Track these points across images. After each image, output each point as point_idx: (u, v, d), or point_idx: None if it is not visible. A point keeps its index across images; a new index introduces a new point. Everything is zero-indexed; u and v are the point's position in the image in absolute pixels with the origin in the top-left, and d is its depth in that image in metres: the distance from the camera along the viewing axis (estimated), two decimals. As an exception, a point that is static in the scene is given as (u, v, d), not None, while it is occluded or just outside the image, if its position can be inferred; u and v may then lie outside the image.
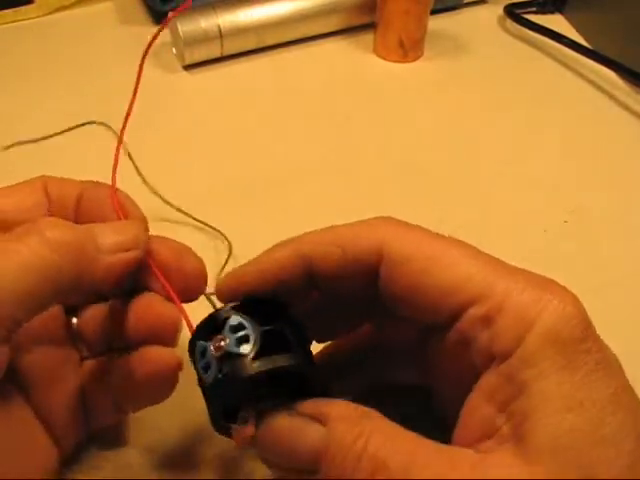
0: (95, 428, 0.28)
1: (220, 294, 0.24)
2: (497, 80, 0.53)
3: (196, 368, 0.23)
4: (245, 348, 0.21)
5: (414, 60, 0.54)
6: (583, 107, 0.51)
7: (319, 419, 0.21)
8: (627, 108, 0.50)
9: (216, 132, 0.47)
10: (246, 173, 0.44)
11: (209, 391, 0.22)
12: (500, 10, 0.60)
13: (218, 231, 0.39)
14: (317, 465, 0.20)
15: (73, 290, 0.23)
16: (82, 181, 0.28)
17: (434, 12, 0.56)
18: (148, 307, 0.25)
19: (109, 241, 0.24)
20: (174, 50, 0.52)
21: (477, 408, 0.21)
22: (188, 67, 0.52)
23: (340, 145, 0.46)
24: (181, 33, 0.49)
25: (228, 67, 0.53)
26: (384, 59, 0.54)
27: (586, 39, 0.57)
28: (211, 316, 0.23)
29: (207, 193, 0.42)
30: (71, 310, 0.28)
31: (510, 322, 0.20)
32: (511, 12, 0.58)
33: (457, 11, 0.60)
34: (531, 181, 0.44)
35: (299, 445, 0.21)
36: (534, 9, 0.60)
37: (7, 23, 0.56)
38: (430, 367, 0.24)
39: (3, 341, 0.21)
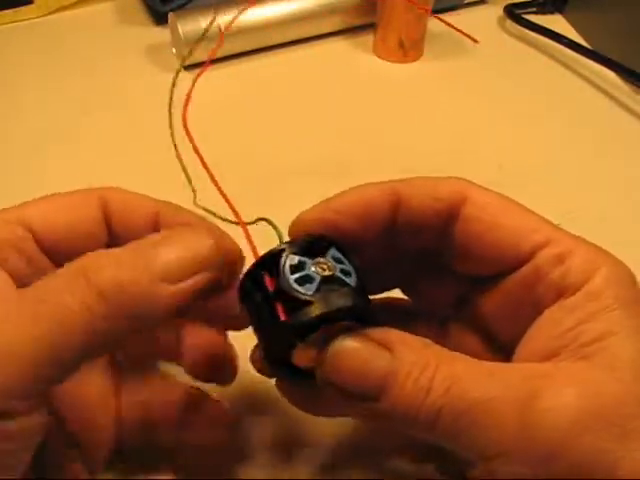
0: (126, 447, 0.27)
1: (306, 222, 0.24)
2: (497, 80, 0.53)
3: (274, 281, 0.22)
4: (351, 280, 0.22)
5: (414, 60, 0.54)
6: (583, 107, 0.51)
7: (387, 346, 0.21)
8: (627, 108, 0.50)
9: (216, 132, 0.47)
10: (246, 173, 0.44)
11: (302, 303, 0.21)
12: (500, 10, 0.60)
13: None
14: (382, 391, 0.20)
15: (128, 334, 0.20)
16: (156, 200, 0.24)
17: (434, 12, 0.56)
18: (204, 345, 0.25)
19: (174, 262, 0.20)
20: (174, 50, 0.52)
21: (539, 335, 0.22)
22: (188, 67, 0.52)
23: (340, 145, 0.46)
24: (181, 33, 0.49)
25: (228, 67, 0.53)
26: (384, 59, 0.54)
27: (586, 39, 0.57)
28: (292, 243, 0.23)
29: (207, 192, 0.42)
30: None
31: (580, 262, 0.22)
32: (511, 12, 0.59)
33: (457, 11, 0.60)
34: (530, 181, 0.44)
35: (368, 369, 0.21)
36: (534, 9, 0.60)
37: (7, 23, 0.56)
38: (481, 316, 0.25)
39: (44, 403, 0.20)
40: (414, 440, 0.26)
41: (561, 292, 0.22)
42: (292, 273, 0.22)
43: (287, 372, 0.24)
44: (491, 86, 0.53)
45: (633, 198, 0.44)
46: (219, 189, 0.23)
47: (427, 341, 0.21)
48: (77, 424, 0.25)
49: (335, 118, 0.49)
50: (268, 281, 0.22)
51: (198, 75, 0.51)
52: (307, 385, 0.23)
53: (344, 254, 0.23)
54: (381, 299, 0.28)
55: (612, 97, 0.51)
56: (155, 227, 0.24)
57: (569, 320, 0.21)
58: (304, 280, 0.22)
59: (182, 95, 0.50)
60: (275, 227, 0.24)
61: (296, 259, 0.22)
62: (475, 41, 0.34)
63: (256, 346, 0.25)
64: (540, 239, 0.23)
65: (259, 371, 0.25)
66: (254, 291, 0.22)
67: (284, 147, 0.46)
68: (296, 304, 0.21)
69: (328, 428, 0.30)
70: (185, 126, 0.32)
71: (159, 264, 0.20)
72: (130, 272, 0.19)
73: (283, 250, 0.22)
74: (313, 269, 0.22)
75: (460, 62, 0.55)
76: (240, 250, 0.25)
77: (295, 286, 0.21)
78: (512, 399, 0.19)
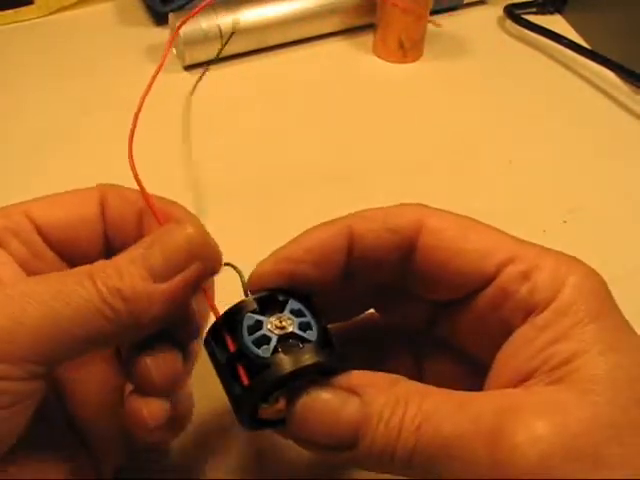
0: (140, 448, 0.27)
1: (263, 276, 0.23)
2: (497, 81, 0.53)
3: (234, 341, 0.22)
4: (311, 334, 0.22)
5: (414, 60, 0.54)
6: (583, 107, 0.51)
7: (354, 391, 0.21)
8: (627, 108, 0.50)
9: (215, 132, 0.47)
10: (245, 173, 0.44)
11: (260, 367, 0.21)
12: (500, 11, 0.60)
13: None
14: (356, 439, 0.20)
15: (131, 333, 0.22)
16: (148, 194, 0.26)
17: (434, 12, 0.56)
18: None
19: (160, 262, 0.22)
20: (174, 50, 0.52)
21: (511, 357, 0.21)
22: (188, 67, 0.52)
23: (340, 145, 0.46)
24: (181, 33, 0.49)
25: (228, 67, 0.53)
26: (384, 59, 0.54)
27: (586, 40, 0.57)
28: (254, 300, 0.23)
29: (206, 193, 0.42)
30: None
31: (546, 277, 0.21)
32: (511, 13, 0.58)
33: (457, 11, 0.60)
34: (530, 181, 0.44)
35: (338, 419, 0.20)
36: (534, 10, 0.60)
37: (7, 24, 0.56)
38: (452, 335, 0.25)
39: (41, 377, 0.21)
40: None
41: (530, 310, 0.21)
42: (250, 334, 0.22)
43: (259, 424, 0.24)
44: (491, 86, 0.53)
45: (633, 198, 0.44)
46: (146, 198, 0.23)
47: (395, 377, 0.21)
48: (84, 419, 0.25)
49: (335, 118, 0.49)
50: (229, 341, 0.22)
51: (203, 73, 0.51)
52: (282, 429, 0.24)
53: (305, 303, 0.23)
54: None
55: (612, 97, 0.51)
56: (143, 216, 0.25)
57: (540, 340, 0.21)
58: (261, 341, 0.22)
59: (182, 95, 0.50)
60: (240, 274, 0.24)
61: (253, 319, 0.22)
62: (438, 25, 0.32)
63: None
64: (503, 257, 0.22)
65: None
66: (217, 351, 0.23)
67: (284, 147, 0.46)
68: (255, 367, 0.22)
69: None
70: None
71: (151, 266, 0.22)
72: (127, 279, 0.21)
73: (241, 308, 0.23)
74: (269, 327, 0.22)
75: (460, 62, 0.55)
76: (217, 245, 0.25)
77: (253, 349, 0.22)
78: (482, 434, 0.19)
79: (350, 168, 0.44)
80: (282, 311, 0.23)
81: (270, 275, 0.23)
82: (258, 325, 0.22)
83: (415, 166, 0.45)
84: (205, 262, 0.23)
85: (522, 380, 0.21)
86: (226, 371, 0.23)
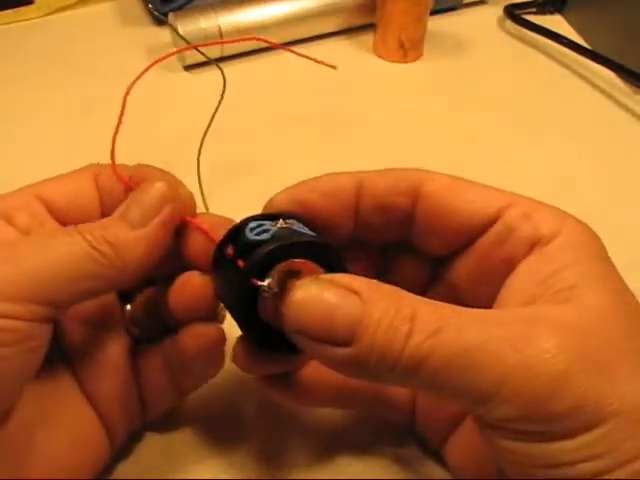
0: (152, 415, 0.29)
1: (276, 202, 0.25)
2: (497, 80, 0.53)
3: (236, 245, 0.23)
4: (306, 230, 0.24)
5: (414, 60, 0.55)
6: (583, 107, 0.51)
7: (355, 291, 0.20)
8: (627, 108, 0.50)
9: (216, 132, 0.47)
10: (245, 172, 0.44)
11: (256, 245, 0.22)
12: (500, 10, 0.60)
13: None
14: (353, 335, 0.20)
15: (122, 276, 0.24)
16: (130, 166, 0.28)
17: (434, 12, 0.56)
18: (186, 283, 0.26)
19: (137, 214, 0.25)
20: (174, 50, 0.52)
21: (517, 286, 0.23)
22: (188, 67, 0.52)
23: (340, 145, 0.46)
24: (181, 33, 0.49)
25: (228, 67, 0.52)
26: (384, 59, 0.54)
27: (586, 39, 0.57)
28: (248, 220, 0.24)
29: (206, 192, 0.42)
30: (126, 297, 0.29)
31: (547, 218, 0.23)
32: (511, 13, 0.59)
33: (457, 11, 0.60)
34: (530, 181, 0.44)
35: (335, 313, 0.20)
36: (534, 10, 0.60)
37: (7, 23, 0.56)
38: (455, 286, 0.26)
39: (41, 319, 0.22)
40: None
41: (533, 244, 0.23)
42: (251, 232, 0.23)
43: (269, 345, 0.24)
44: (491, 86, 0.53)
45: (633, 198, 0.44)
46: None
47: (398, 289, 0.21)
48: (95, 380, 0.27)
49: (335, 118, 0.49)
50: (231, 249, 0.23)
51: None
52: (285, 379, 0.26)
53: (306, 226, 0.24)
54: None
55: (612, 97, 0.51)
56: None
57: (546, 269, 0.22)
58: (261, 232, 0.23)
59: (182, 95, 0.50)
60: None
61: (256, 222, 0.24)
62: (334, 67, 0.34)
63: (235, 343, 0.25)
64: (504, 202, 0.24)
65: (241, 367, 0.25)
66: (221, 264, 0.24)
67: (284, 147, 0.46)
68: (252, 248, 0.22)
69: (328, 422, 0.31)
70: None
71: (130, 218, 0.24)
72: (111, 230, 0.24)
73: (243, 222, 0.24)
74: (271, 225, 0.23)
75: (460, 62, 0.55)
76: (191, 192, 0.27)
77: (252, 237, 0.23)
78: (510, 339, 0.19)
79: (350, 168, 0.44)
80: (285, 220, 0.24)
81: (283, 201, 0.25)
82: (260, 225, 0.23)
83: (415, 165, 0.45)
84: (176, 203, 0.25)
85: (529, 302, 0.22)
86: (227, 270, 0.23)
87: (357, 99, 0.51)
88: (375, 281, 0.21)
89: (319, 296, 0.20)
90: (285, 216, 0.24)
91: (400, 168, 0.26)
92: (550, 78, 0.54)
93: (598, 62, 0.53)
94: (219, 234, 0.25)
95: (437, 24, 0.57)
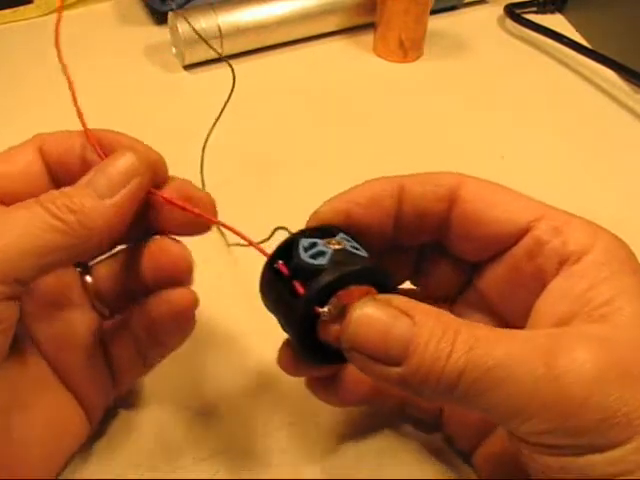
0: (122, 390, 0.29)
1: (320, 215, 0.25)
2: (497, 80, 0.53)
3: (289, 265, 0.23)
4: (362, 253, 0.24)
5: (414, 60, 0.54)
6: (583, 107, 0.51)
7: (407, 313, 0.21)
8: (627, 108, 0.50)
9: (216, 132, 0.47)
10: (245, 172, 0.44)
11: (317, 272, 0.22)
12: (500, 10, 0.60)
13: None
14: (404, 355, 0.20)
15: (86, 246, 0.23)
16: (80, 131, 0.27)
17: (434, 12, 0.56)
18: (161, 249, 0.26)
19: (104, 183, 0.24)
20: (174, 50, 0.52)
21: (549, 305, 0.23)
22: (188, 67, 0.52)
23: (340, 145, 0.46)
24: (181, 33, 0.49)
25: (228, 67, 0.52)
26: (384, 59, 0.54)
27: (586, 39, 0.57)
28: (299, 234, 0.24)
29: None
30: (85, 270, 0.28)
31: (578, 232, 0.23)
32: (511, 12, 0.58)
33: (457, 11, 0.60)
34: (530, 181, 0.44)
35: (389, 333, 0.21)
36: (534, 9, 0.60)
37: (6, 23, 0.56)
38: (483, 297, 0.27)
39: (7, 298, 0.22)
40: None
41: (563, 260, 0.23)
42: (305, 252, 0.23)
43: (318, 357, 0.24)
44: (491, 86, 0.53)
45: (633, 198, 0.44)
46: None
47: (444, 311, 0.22)
48: (64, 359, 0.26)
49: (335, 117, 0.49)
50: (283, 267, 0.23)
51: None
52: (331, 381, 0.27)
53: (353, 239, 0.24)
54: None
55: (612, 96, 0.51)
56: (85, 153, 0.27)
57: (578, 287, 0.22)
58: (317, 255, 0.23)
59: (181, 95, 0.50)
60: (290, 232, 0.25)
61: (308, 241, 0.23)
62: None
63: (282, 347, 0.25)
64: (536, 214, 0.24)
65: (287, 372, 0.25)
66: (273, 280, 0.24)
67: (284, 147, 0.46)
68: (311, 275, 0.22)
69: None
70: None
71: (97, 187, 0.24)
72: (76, 198, 0.23)
73: (295, 238, 0.24)
74: (324, 245, 0.23)
75: (460, 62, 0.55)
76: (162, 157, 0.27)
77: (309, 260, 0.23)
78: (534, 356, 0.20)
79: (350, 167, 0.44)
80: (334, 237, 0.24)
81: (327, 214, 0.25)
82: (313, 245, 0.23)
83: (415, 165, 0.44)
84: (145, 175, 0.25)
85: (563, 323, 0.22)
86: (283, 292, 0.23)
87: (357, 98, 0.51)
88: (425, 304, 0.22)
89: (376, 315, 0.21)
90: (334, 231, 0.24)
91: (436, 172, 0.27)
92: (550, 78, 0.54)
93: (598, 61, 0.52)
94: (190, 205, 0.25)
95: (437, 23, 0.56)
